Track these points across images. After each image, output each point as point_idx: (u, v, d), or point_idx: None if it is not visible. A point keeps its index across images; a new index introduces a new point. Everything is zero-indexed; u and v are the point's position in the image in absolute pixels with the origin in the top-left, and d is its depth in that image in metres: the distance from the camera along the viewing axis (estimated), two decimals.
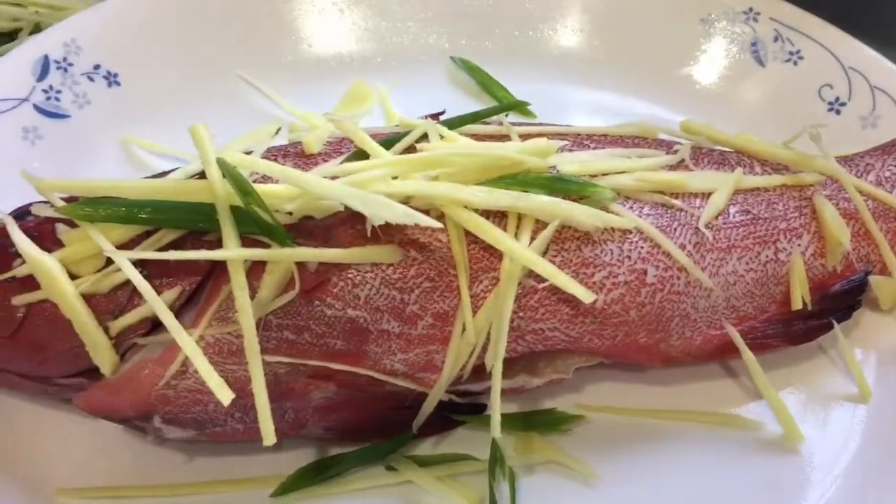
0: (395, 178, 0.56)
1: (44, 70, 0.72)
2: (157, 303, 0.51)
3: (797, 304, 0.61)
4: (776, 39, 0.80)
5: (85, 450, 0.58)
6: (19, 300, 0.53)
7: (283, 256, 0.53)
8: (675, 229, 0.60)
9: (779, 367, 0.63)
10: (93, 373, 0.54)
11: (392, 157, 0.56)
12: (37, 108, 0.71)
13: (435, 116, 0.68)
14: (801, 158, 0.65)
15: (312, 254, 0.54)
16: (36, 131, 0.71)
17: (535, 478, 0.58)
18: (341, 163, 0.58)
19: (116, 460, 0.58)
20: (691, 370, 0.63)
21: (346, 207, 0.54)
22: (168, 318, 0.51)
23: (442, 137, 0.60)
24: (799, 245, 0.62)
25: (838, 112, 0.76)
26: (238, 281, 0.52)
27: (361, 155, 0.58)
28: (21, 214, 0.57)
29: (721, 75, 0.81)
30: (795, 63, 0.79)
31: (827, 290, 0.63)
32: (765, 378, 0.60)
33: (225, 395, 0.51)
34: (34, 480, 0.56)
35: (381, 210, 0.52)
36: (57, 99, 0.72)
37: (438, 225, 0.52)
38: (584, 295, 0.55)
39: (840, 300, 0.63)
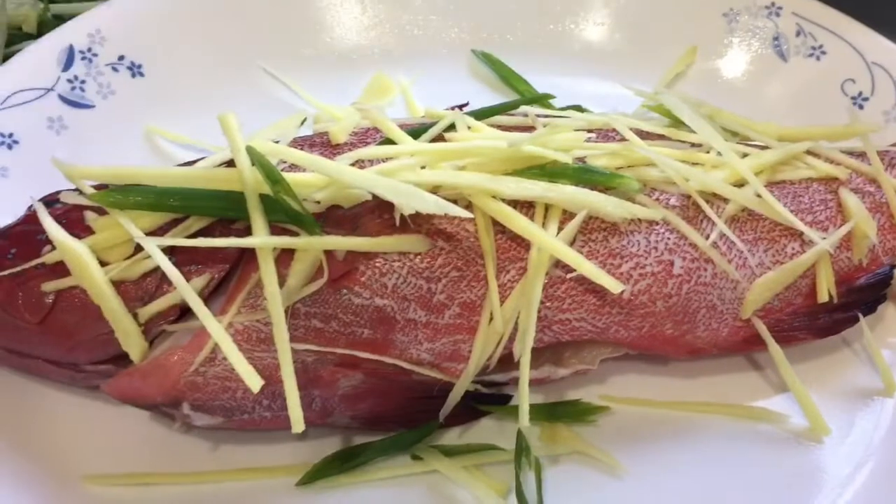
0: (423, 167, 0.56)
1: (69, 60, 0.72)
2: (186, 289, 0.52)
3: (823, 297, 0.61)
4: (798, 34, 0.80)
5: (111, 437, 0.58)
6: (49, 287, 0.54)
7: (311, 244, 0.53)
8: (702, 221, 0.60)
9: (803, 361, 0.63)
10: (121, 359, 0.55)
11: (420, 145, 0.56)
12: (62, 98, 0.72)
13: (459, 108, 0.68)
14: (838, 131, 0.66)
15: (341, 242, 0.54)
16: (61, 121, 0.71)
17: (561, 468, 0.58)
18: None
19: (143, 448, 0.58)
20: (716, 363, 0.63)
21: (374, 196, 0.55)
22: (197, 305, 0.52)
23: (469, 128, 0.60)
24: (825, 238, 0.62)
25: (861, 107, 0.76)
26: (267, 269, 0.52)
27: (389, 145, 0.58)
28: (49, 202, 0.57)
29: (743, 70, 0.81)
30: (818, 58, 0.79)
31: (853, 284, 0.62)
32: (791, 370, 0.60)
33: (254, 382, 0.51)
34: (61, 467, 0.57)
35: (411, 199, 0.52)
36: (82, 89, 0.73)
37: (468, 214, 0.53)
38: (613, 285, 0.55)
39: (866, 293, 0.62)
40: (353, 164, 0.57)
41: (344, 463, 0.57)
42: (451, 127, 0.60)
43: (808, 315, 0.61)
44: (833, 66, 0.78)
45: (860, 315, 0.62)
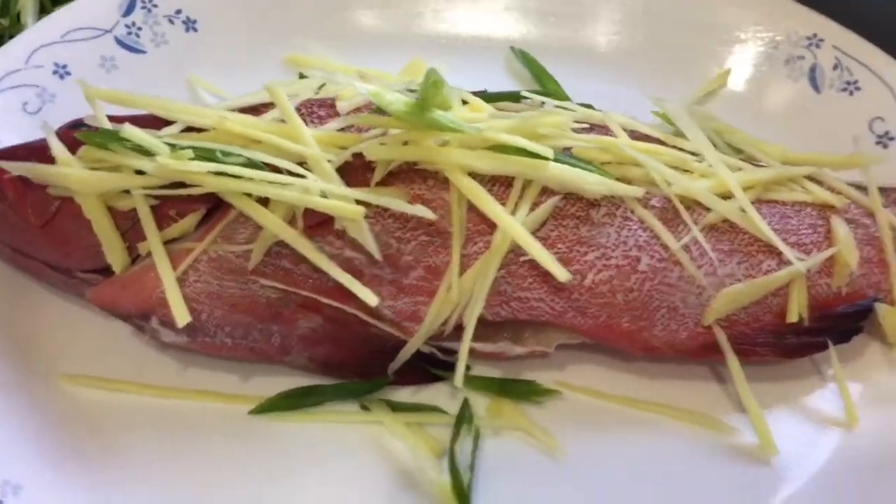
0: (405, 143, 0.58)
1: (130, 7, 0.78)
2: (153, 234, 0.57)
3: (792, 318, 0.60)
4: (836, 67, 0.79)
5: (91, 345, 0.63)
6: (54, 191, 0.59)
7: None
8: (678, 224, 0.60)
9: (768, 381, 0.63)
10: (107, 271, 0.59)
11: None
12: (117, 40, 0.77)
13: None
14: (840, 160, 0.67)
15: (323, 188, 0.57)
16: (112, 61, 0.77)
17: (501, 441, 0.60)
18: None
19: (118, 358, 0.63)
20: (678, 369, 0.63)
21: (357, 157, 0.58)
22: (157, 247, 0.57)
23: (465, 103, 0.62)
24: (803, 260, 0.61)
25: (885, 146, 0.74)
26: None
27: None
28: (75, 125, 0.63)
29: (774, 99, 0.80)
30: (851, 93, 0.78)
31: (829, 310, 0.62)
32: (746, 384, 0.60)
33: (182, 316, 0.56)
34: (41, 363, 0.62)
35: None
36: (137, 35, 0.78)
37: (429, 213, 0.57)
38: (560, 273, 0.56)
39: (840, 322, 0.62)
40: (344, 129, 0.61)
41: (296, 400, 0.60)
42: None
43: (775, 333, 0.61)
44: (864, 102, 0.77)
45: (830, 342, 0.61)
